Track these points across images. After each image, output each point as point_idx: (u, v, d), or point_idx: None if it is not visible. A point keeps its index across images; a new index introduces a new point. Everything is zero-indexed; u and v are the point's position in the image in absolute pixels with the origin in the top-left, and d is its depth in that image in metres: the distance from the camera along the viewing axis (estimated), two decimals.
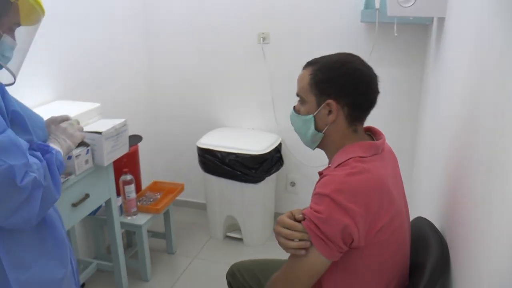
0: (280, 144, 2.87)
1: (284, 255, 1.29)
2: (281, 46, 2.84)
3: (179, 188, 2.81)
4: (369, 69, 1.28)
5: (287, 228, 1.20)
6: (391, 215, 1.19)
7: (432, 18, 2.22)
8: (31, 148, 1.24)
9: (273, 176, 2.87)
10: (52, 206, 1.33)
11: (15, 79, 1.31)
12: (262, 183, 2.77)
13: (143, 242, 2.49)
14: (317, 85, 1.25)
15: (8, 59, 1.27)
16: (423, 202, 1.99)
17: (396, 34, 2.27)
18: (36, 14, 1.32)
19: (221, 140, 2.85)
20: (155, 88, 3.22)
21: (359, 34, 2.62)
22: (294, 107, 1.35)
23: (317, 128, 1.28)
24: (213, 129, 3.09)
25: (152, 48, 3.13)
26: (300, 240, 1.18)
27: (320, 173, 1.28)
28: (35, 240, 1.26)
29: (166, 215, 2.76)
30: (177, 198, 2.85)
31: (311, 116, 1.27)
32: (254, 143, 2.78)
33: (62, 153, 1.36)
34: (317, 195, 1.17)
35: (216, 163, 2.76)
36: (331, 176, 1.19)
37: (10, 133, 1.12)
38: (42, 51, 2.16)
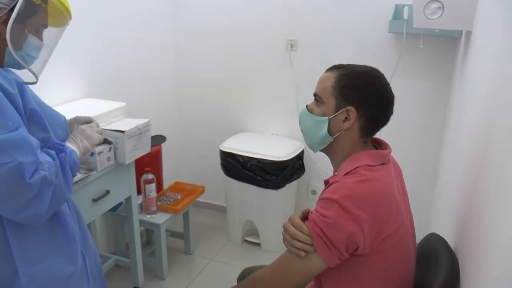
0: (302, 152, 2.87)
1: None
2: (308, 53, 2.84)
3: (200, 190, 2.84)
4: (391, 89, 1.29)
5: (295, 227, 1.20)
6: (398, 224, 1.18)
7: (461, 31, 2.18)
8: (47, 147, 1.28)
9: (294, 183, 2.87)
10: (64, 203, 1.37)
11: (37, 79, 1.36)
12: (282, 189, 2.77)
13: (160, 240, 2.53)
14: (342, 89, 1.25)
15: (33, 59, 1.32)
16: (441, 217, 1.95)
17: (421, 46, 2.24)
18: (63, 17, 1.38)
19: (243, 145, 2.87)
20: (181, 89, 3.28)
21: (386, 45, 2.59)
22: (306, 106, 1.34)
23: (329, 132, 1.28)
24: (237, 133, 3.11)
25: (179, 50, 3.19)
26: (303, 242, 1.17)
27: (326, 182, 1.28)
28: (46, 237, 1.30)
29: (186, 216, 2.79)
30: (198, 199, 2.88)
31: (326, 118, 1.27)
32: (276, 149, 2.78)
33: (77, 153, 1.40)
34: (325, 200, 1.16)
35: (237, 167, 2.78)
36: (340, 182, 1.18)
37: (22, 131, 1.16)
38: (71, 50, 2.24)
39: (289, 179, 2.76)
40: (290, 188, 2.86)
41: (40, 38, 1.33)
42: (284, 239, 1.22)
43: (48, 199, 1.20)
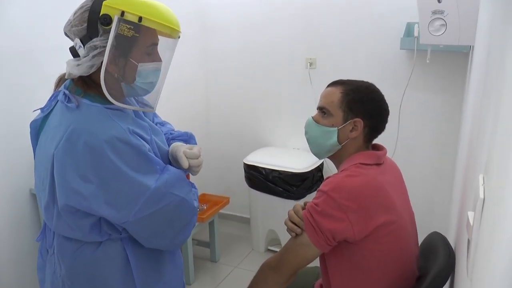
0: (322, 164, 3.00)
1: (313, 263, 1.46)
2: (327, 71, 2.99)
3: (225, 201, 3.00)
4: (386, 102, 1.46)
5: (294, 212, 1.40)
6: (390, 217, 1.31)
7: (470, 46, 2.29)
8: None
9: (314, 193, 2.96)
10: None
11: (154, 108, 1.38)
12: (303, 200, 2.89)
13: (187, 247, 2.69)
14: (349, 103, 1.41)
15: (152, 84, 1.30)
16: (452, 223, 2.04)
17: (428, 61, 2.36)
18: (167, 31, 1.26)
19: (266, 158, 3.02)
20: (210, 107, 3.50)
21: (399, 61, 2.73)
22: (312, 117, 1.50)
23: (338, 140, 1.43)
24: (260, 147, 3.28)
25: (209, 70, 3.41)
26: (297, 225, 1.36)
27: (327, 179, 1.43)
28: (156, 265, 1.38)
29: (211, 226, 2.95)
30: (224, 211, 3.02)
31: (335, 128, 1.42)
32: (297, 162, 2.92)
33: None
34: (318, 192, 1.35)
35: (260, 179, 2.93)
36: (332, 177, 1.36)
37: (170, 168, 1.27)
38: None
39: (309, 190, 2.89)
40: (311, 198, 2.96)
41: (154, 58, 1.27)
42: (285, 220, 1.40)
43: (193, 225, 1.35)
